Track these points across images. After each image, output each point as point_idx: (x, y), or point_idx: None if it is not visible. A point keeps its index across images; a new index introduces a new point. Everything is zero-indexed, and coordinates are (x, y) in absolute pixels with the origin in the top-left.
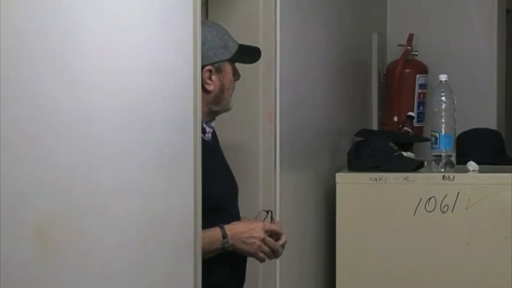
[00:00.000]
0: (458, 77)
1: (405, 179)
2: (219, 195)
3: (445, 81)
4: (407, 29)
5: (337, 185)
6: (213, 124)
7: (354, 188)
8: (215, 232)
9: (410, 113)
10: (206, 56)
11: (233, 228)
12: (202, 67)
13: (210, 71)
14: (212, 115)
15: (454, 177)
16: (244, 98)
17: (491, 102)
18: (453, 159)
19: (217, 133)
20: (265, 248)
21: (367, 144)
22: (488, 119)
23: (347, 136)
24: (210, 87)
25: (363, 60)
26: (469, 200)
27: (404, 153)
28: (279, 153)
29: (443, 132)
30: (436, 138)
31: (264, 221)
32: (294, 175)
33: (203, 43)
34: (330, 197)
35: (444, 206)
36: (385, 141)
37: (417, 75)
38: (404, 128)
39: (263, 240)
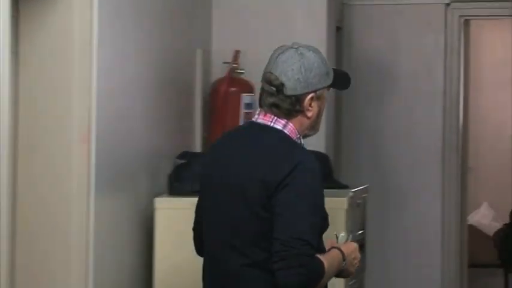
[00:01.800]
0: None
1: None
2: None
3: None
4: (233, 46)
5: (156, 211)
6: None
7: (174, 214)
8: (337, 254)
9: None
10: (311, 82)
11: (345, 250)
12: (307, 93)
13: (312, 98)
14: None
15: None
16: (54, 116)
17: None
18: None
19: None
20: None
21: (189, 167)
22: (317, 141)
23: (168, 158)
24: (309, 114)
25: (186, 77)
26: None
27: None
28: (94, 177)
29: None
30: None
31: (349, 242)
32: (111, 201)
33: (310, 69)
34: (149, 223)
35: None
36: None
37: (243, 94)
38: None
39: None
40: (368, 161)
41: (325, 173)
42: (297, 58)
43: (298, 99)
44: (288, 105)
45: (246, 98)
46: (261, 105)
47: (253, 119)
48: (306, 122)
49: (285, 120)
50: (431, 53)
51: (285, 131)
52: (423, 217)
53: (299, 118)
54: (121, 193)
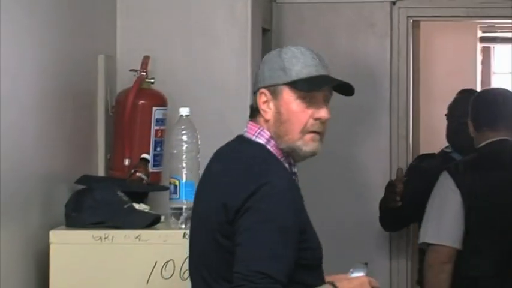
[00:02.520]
0: (207, 109)
1: (137, 237)
2: (320, 248)
3: (187, 115)
4: (142, 51)
5: (51, 246)
6: (295, 169)
7: (73, 249)
8: None
9: (145, 155)
10: (264, 77)
11: (344, 285)
12: (258, 89)
13: (263, 94)
14: (285, 154)
15: None
16: None
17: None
18: None
19: None
20: None
21: (90, 194)
22: None
23: (65, 183)
24: (266, 116)
25: (86, 88)
26: None
27: (136, 206)
28: None
29: (184, 180)
30: (175, 186)
31: (365, 275)
32: None
33: (265, 62)
34: (43, 260)
35: (185, 272)
36: (113, 191)
37: (154, 108)
38: (138, 174)
39: None
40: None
41: None
42: (266, 54)
43: (255, 96)
44: (252, 103)
45: (157, 112)
46: None
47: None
48: (267, 126)
49: (268, 135)
50: (375, 59)
51: (268, 146)
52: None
53: (261, 120)
54: (9, 224)
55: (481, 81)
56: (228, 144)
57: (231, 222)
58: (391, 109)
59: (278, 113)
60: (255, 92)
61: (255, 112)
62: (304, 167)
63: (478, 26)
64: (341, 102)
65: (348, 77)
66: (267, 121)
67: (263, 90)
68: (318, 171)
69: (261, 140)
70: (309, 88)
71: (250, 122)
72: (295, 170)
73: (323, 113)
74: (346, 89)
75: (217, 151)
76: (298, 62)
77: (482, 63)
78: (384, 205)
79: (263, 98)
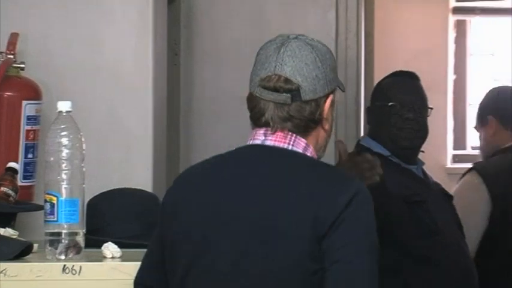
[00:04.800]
0: (94, 103)
1: (1, 272)
2: None
3: (67, 112)
4: (7, 27)
5: None
6: None
7: None
8: None
9: (12, 164)
10: (330, 79)
11: None
12: (327, 95)
13: (332, 101)
14: None
15: (81, 268)
16: None
17: (144, 148)
18: (80, 239)
19: None
20: None
21: None
22: (140, 176)
23: None
24: (327, 125)
25: None
26: None
27: (1, 230)
28: None
29: (64, 196)
30: (52, 205)
31: None
32: None
33: (325, 61)
34: None
35: None
36: None
37: (24, 102)
38: (2, 189)
39: None
40: None
41: (154, 222)
42: (309, 49)
43: (318, 104)
44: (308, 114)
45: (28, 107)
46: (259, 123)
47: (258, 141)
48: (322, 138)
49: (305, 142)
50: (317, 37)
51: (308, 155)
52: None
53: (315, 132)
54: None
55: (454, 64)
56: (254, 155)
57: (320, 240)
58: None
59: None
60: (315, 99)
61: (311, 124)
62: None
63: None
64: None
65: None
66: (325, 131)
67: (331, 96)
68: None
69: (298, 149)
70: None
71: (298, 137)
72: None
73: None
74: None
75: (234, 163)
76: None
77: (456, 41)
78: None
79: (330, 105)
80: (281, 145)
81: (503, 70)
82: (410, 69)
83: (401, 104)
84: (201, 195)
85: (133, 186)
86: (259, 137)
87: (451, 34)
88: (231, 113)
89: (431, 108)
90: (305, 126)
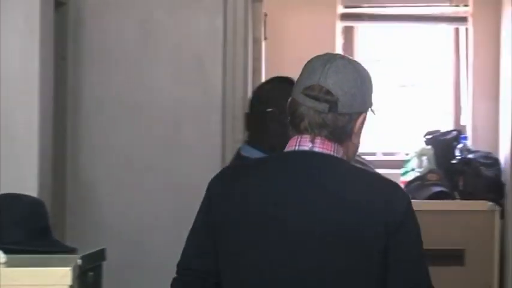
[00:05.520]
0: None
1: None
2: None
3: None
4: None
5: None
6: None
7: None
8: None
9: None
10: (368, 100)
11: None
12: (362, 113)
13: (364, 118)
14: None
15: None
16: None
17: (29, 152)
18: None
19: None
20: None
21: None
22: (26, 180)
23: None
24: (357, 140)
25: None
26: None
27: None
28: None
29: None
30: None
31: None
32: None
33: (365, 83)
34: None
35: None
36: None
37: None
38: None
39: None
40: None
41: (40, 227)
42: (351, 69)
43: (352, 118)
44: (341, 125)
45: None
46: (299, 128)
47: (306, 147)
48: (351, 151)
49: (342, 150)
50: (205, 42)
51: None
52: None
53: (346, 143)
54: None
55: None
56: (306, 160)
57: (387, 243)
58: (224, 107)
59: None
60: (349, 113)
61: (343, 135)
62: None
63: None
64: (161, 97)
65: (169, 66)
66: (354, 145)
67: (365, 114)
68: (137, 180)
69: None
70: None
71: (338, 145)
72: None
73: None
74: None
75: (288, 167)
76: None
77: (344, 47)
78: None
79: (362, 122)
80: (327, 152)
81: (390, 75)
82: (297, 75)
83: (280, 110)
84: (264, 187)
85: (18, 191)
86: (306, 144)
87: (339, 40)
88: (119, 115)
89: None
90: (339, 135)
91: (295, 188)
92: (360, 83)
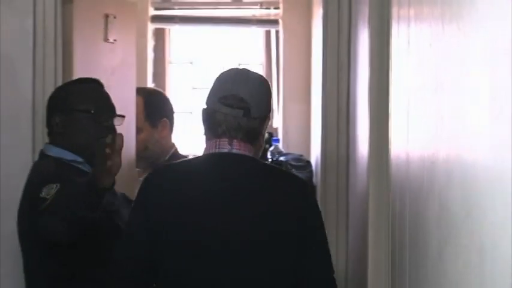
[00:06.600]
0: None
1: None
2: None
3: None
4: None
5: None
6: None
7: None
8: None
9: None
10: (269, 104)
11: None
12: (267, 116)
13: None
14: None
15: None
16: None
17: None
18: None
19: None
20: None
21: None
22: None
23: None
24: (261, 141)
25: None
26: None
27: None
28: None
29: None
30: None
31: None
32: None
33: (267, 90)
34: None
35: None
36: None
37: None
38: None
39: None
40: None
41: None
42: (257, 79)
43: (261, 121)
44: (255, 127)
45: None
46: (216, 133)
47: (225, 150)
48: (259, 150)
49: (253, 150)
50: (14, 45)
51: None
52: None
53: (255, 145)
54: None
55: (153, 72)
56: (224, 161)
57: (304, 236)
58: (34, 113)
59: None
60: (259, 117)
61: (257, 136)
62: None
63: (150, 0)
64: None
65: None
66: (260, 146)
67: (268, 116)
68: None
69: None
70: None
71: (250, 145)
72: None
73: None
74: None
75: (207, 169)
76: None
77: (155, 50)
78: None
79: (266, 123)
80: (244, 152)
81: (201, 78)
82: (113, 77)
83: (93, 109)
84: (191, 188)
85: None
86: (225, 146)
87: (150, 42)
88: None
89: (123, 116)
90: (253, 137)
91: (220, 187)
92: (265, 90)
